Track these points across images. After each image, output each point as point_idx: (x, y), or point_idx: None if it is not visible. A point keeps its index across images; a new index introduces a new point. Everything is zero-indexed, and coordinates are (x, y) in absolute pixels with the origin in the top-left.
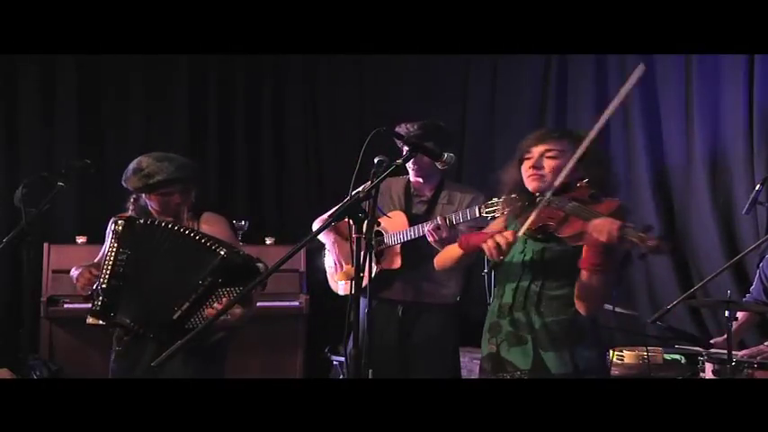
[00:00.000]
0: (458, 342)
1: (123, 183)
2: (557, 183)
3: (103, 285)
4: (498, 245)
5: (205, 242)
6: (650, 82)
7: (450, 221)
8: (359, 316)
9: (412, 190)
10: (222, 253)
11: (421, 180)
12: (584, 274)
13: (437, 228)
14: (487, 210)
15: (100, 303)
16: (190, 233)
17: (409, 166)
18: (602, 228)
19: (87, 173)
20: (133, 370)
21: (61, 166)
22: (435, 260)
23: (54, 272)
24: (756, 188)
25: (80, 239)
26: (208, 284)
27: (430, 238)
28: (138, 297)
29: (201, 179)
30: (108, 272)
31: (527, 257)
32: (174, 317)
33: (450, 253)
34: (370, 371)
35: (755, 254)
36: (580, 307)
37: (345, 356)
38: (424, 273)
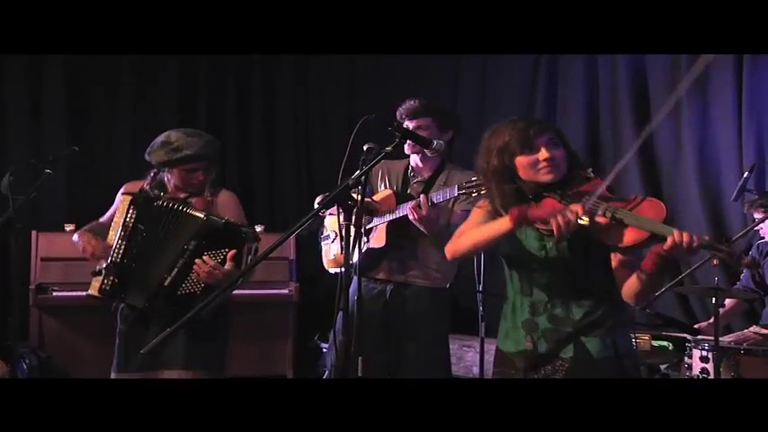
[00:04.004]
0: (448, 328)
1: (147, 156)
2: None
3: (117, 261)
4: (568, 222)
5: (187, 210)
6: (641, 77)
7: (431, 200)
8: (348, 301)
9: (410, 172)
10: (202, 216)
11: (420, 163)
12: (642, 275)
13: (417, 206)
14: (467, 187)
15: (110, 283)
16: (179, 206)
17: (408, 148)
18: (684, 245)
19: (75, 160)
20: (139, 347)
21: (49, 154)
22: (468, 237)
23: (42, 260)
24: (744, 175)
25: (68, 227)
26: (192, 248)
27: (411, 216)
28: (145, 277)
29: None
30: (122, 250)
31: (551, 253)
32: (165, 283)
33: (495, 226)
34: (360, 358)
35: (743, 241)
36: (632, 299)
37: (333, 337)
38: (412, 253)
